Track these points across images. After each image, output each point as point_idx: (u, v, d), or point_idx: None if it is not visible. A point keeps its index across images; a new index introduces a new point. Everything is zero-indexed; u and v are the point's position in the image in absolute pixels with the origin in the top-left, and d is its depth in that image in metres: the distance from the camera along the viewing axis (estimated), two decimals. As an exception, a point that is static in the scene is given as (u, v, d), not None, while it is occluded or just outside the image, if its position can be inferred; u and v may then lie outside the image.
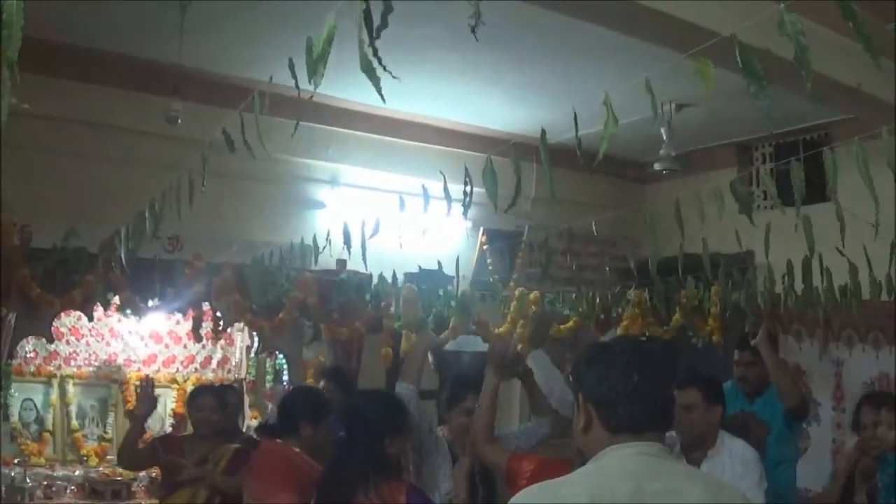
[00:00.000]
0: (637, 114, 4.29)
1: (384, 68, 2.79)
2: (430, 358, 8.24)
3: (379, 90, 2.83)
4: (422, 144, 11.36)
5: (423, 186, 5.02)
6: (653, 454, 2.90)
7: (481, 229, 11.71)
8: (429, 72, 9.45)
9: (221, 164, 4.68)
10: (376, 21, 2.77)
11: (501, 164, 4.08)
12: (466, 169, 4.27)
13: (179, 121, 8.08)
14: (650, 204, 11.67)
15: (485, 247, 11.66)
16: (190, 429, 8.27)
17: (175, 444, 7.70)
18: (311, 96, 2.97)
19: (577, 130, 3.91)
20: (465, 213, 4.52)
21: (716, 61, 3.40)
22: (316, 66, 2.63)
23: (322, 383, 8.02)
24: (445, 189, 4.71)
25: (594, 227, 8.28)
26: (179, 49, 7.67)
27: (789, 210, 4.31)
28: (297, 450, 5.88)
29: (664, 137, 10.33)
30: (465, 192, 4.35)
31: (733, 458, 6.06)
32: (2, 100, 2.39)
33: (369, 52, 2.74)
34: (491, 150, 4.16)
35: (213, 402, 7.64)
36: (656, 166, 10.53)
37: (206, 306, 8.00)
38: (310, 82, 2.81)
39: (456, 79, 9.82)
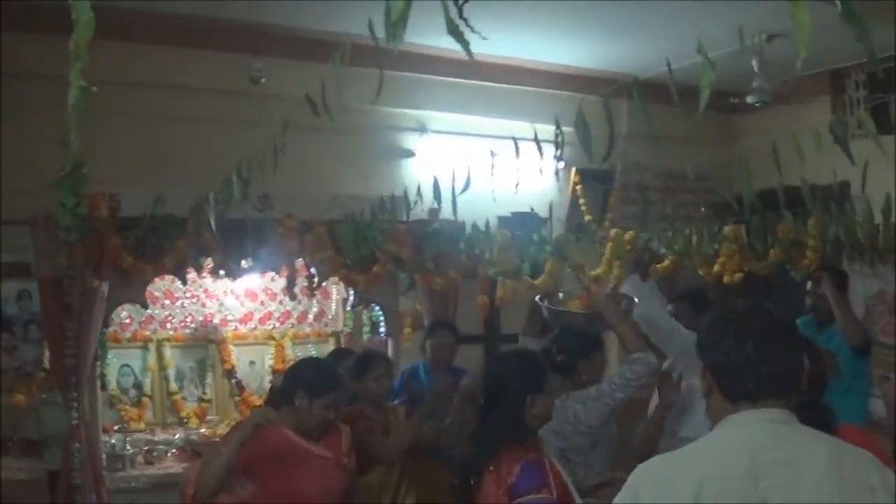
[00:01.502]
0: (728, 46, 4.18)
1: (472, 29, 2.77)
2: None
3: (468, 52, 2.80)
4: (511, 86, 11.12)
5: (513, 139, 4.92)
6: (774, 421, 2.84)
7: (573, 169, 11.54)
8: (517, 12, 9.27)
9: (308, 120, 4.61)
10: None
11: (592, 103, 3.97)
12: (557, 121, 4.18)
13: (263, 80, 8.05)
14: (743, 137, 11.55)
15: (577, 187, 11.50)
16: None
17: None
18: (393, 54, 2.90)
19: (670, 73, 3.80)
20: (557, 158, 4.44)
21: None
22: (395, 29, 2.57)
23: (428, 338, 8.03)
24: (536, 138, 4.61)
25: (688, 167, 8.18)
26: (257, 6, 7.63)
27: (884, 139, 4.20)
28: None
29: (755, 69, 10.10)
30: (555, 137, 4.25)
31: None
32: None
33: (454, 14, 2.70)
34: (582, 90, 4.05)
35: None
36: (749, 99, 10.27)
37: (299, 262, 8.01)
38: (389, 44, 2.74)
39: (544, 18, 9.62)
